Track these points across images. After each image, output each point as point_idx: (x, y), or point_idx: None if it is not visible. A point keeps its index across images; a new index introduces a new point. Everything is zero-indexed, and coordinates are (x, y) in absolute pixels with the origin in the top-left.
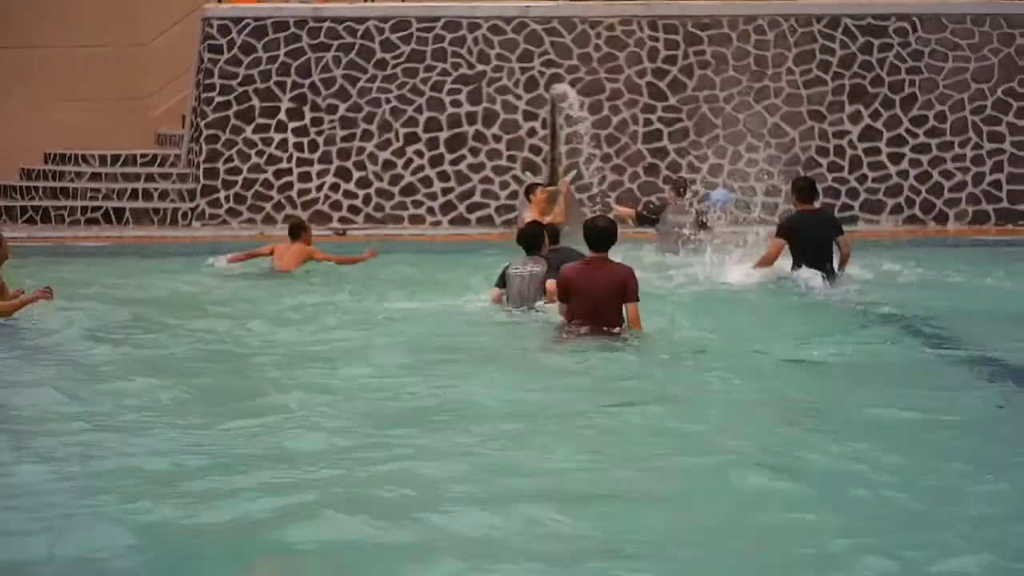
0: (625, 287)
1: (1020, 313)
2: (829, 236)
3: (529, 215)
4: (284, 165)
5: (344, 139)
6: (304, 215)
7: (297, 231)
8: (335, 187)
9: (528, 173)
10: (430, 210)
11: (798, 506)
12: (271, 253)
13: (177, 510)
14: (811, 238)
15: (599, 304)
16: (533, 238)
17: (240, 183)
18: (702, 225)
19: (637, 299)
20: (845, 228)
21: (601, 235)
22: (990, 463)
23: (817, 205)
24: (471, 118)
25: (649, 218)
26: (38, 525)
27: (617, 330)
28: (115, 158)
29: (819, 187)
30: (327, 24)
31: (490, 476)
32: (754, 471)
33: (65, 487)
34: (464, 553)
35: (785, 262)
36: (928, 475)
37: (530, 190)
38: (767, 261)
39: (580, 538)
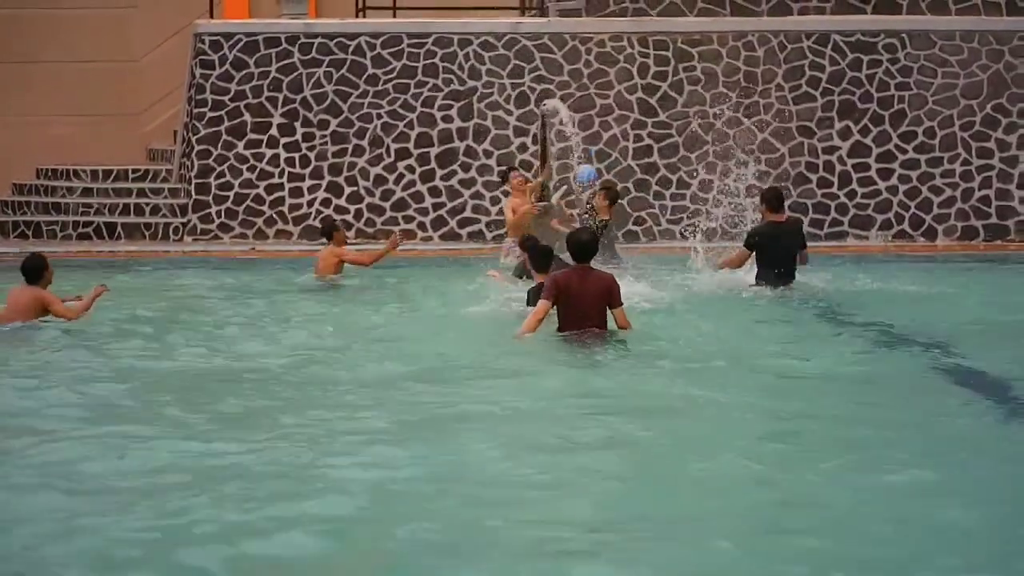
0: (611, 293)
1: (1007, 326)
2: (795, 246)
3: (510, 205)
4: (276, 180)
5: (335, 154)
6: (295, 230)
7: (328, 232)
8: (326, 202)
9: None
10: (421, 225)
11: (784, 512)
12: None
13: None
14: (778, 247)
15: (589, 309)
16: (586, 246)
17: (232, 198)
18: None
19: (622, 303)
20: (834, 243)
21: (584, 247)
22: (975, 474)
23: (785, 215)
24: (462, 133)
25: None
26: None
27: (604, 332)
28: (107, 173)
29: (810, 204)
30: (318, 40)
31: (494, 480)
32: (743, 481)
33: (79, 499)
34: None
35: (750, 268)
36: (914, 483)
37: (505, 176)
38: (731, 264)
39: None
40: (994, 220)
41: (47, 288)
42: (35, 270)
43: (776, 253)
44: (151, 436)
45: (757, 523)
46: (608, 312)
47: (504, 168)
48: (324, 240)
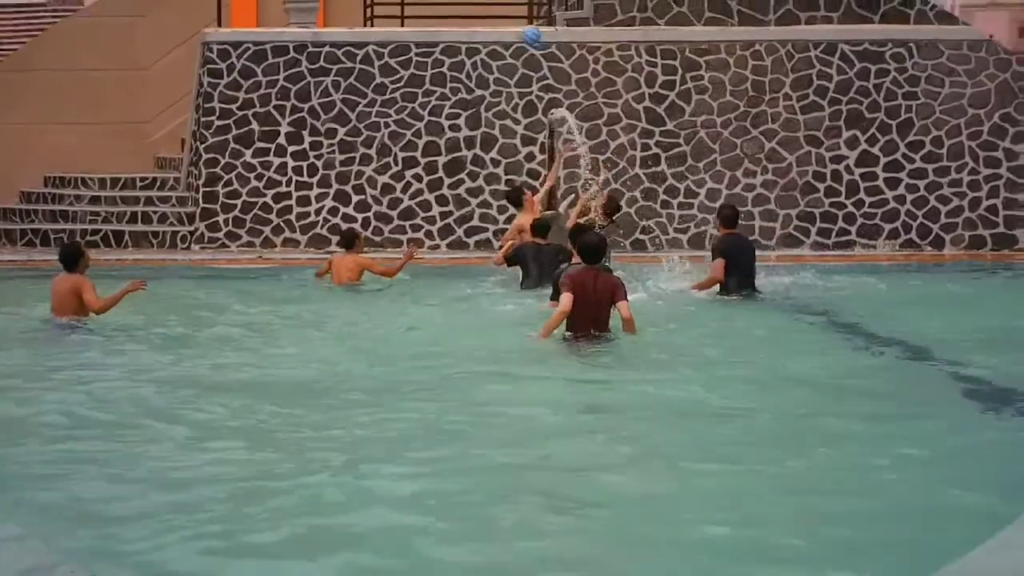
0: (616, 290)
1: (1009, 332)
2: (752, 256)
3: (519, 220)
4: (283, 189)
5: (343, 163)
6: (303, 239)
7: (350, 241)
8: (334, 211)
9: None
10: (428, 234)
11: (784, 514)
12: (328, 268)
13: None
14: (740, 257)
15: (598, 309)
16: (596, 248)
17: (239, 207)
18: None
19: (627, 297)
20: (841, 253)
21: (594, 250)
22: (977, 478)
23: (737, 231)
24: (469, 142)
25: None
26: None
27: (610, 333)
28: (115, 181)
29: (817, 213)
30: (326, 49)
31: (500, 484)
32: (744, 483)
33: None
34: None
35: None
36: (915, 487)
37: (520, 195)
38: (713, 281)
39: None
40: (1001, 230)
41: (85, 272)
42: (71, 257)
43: (739, 263)
44: (162, 443)
45: (758, 528)
46: (612, 310)
47: (518, 189)
48: (338, 248)
